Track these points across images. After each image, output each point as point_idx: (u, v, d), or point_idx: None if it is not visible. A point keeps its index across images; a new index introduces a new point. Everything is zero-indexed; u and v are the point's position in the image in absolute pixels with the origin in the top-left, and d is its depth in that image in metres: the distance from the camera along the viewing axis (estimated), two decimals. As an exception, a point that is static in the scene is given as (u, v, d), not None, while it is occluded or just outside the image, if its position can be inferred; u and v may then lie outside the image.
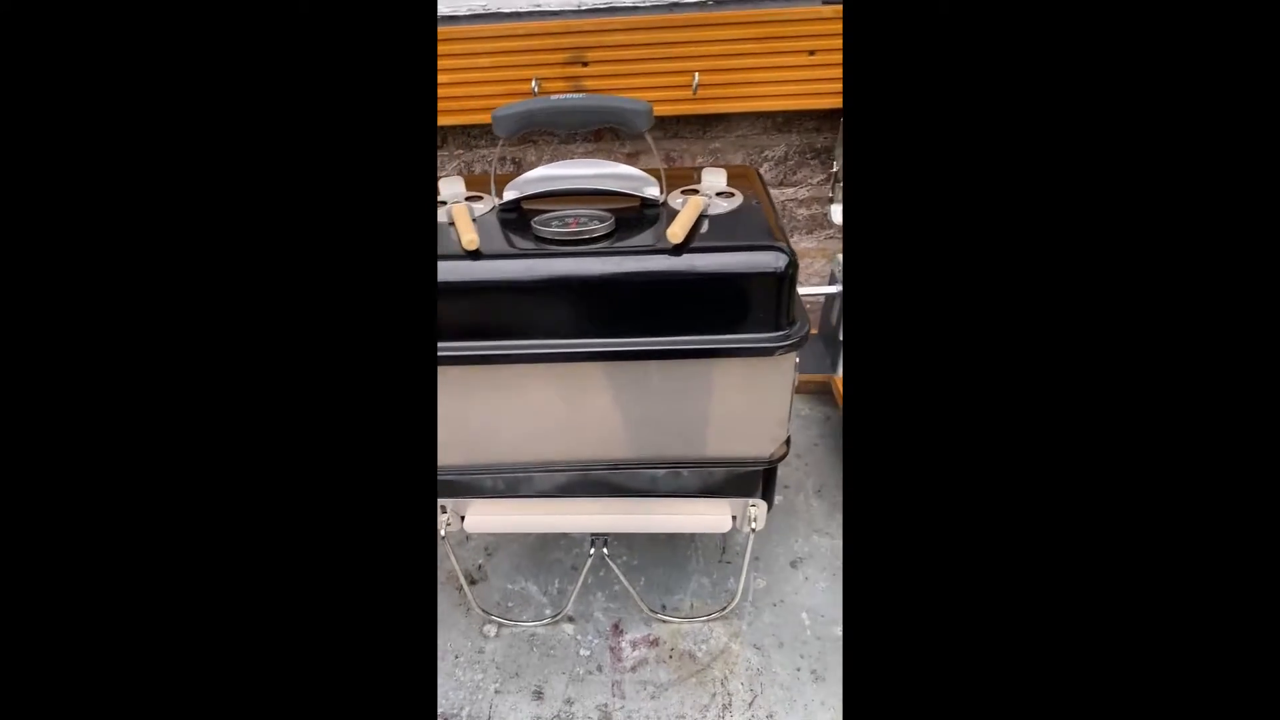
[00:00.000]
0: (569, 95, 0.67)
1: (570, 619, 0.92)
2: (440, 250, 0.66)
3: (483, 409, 0.71)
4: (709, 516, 0.80)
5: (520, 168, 1.16)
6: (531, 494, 0.80)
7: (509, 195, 0.72)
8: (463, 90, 1.02)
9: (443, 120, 1.06)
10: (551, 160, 1.18)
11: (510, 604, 0.95)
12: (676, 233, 0.62)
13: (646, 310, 0.64)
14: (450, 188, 0.75)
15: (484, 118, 1.08)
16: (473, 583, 0.98)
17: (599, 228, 0.65)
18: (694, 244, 0.63)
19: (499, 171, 1.17)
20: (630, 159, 1.14)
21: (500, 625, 0.92)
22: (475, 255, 0.64)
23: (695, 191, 0.73)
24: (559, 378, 0.68)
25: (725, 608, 0.91)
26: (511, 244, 0.66)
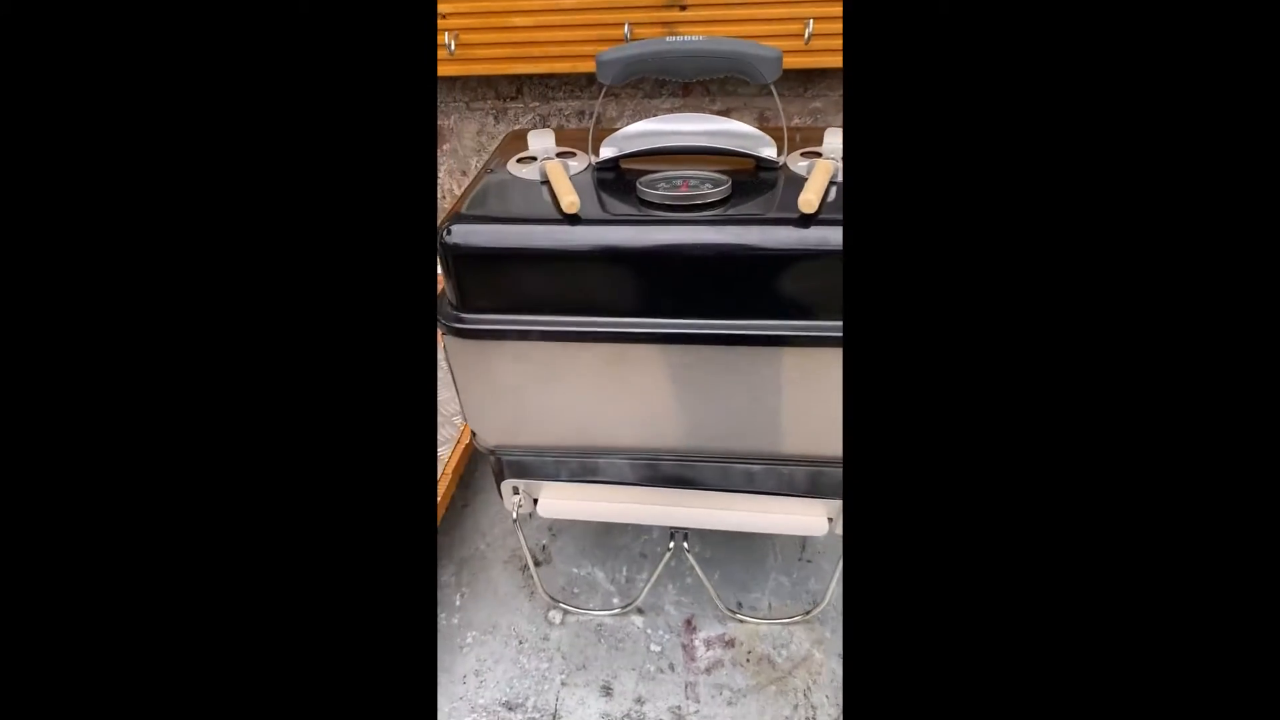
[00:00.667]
0: (687, 38, 0.58)
1: (640, 610, 0.87)
2: (531, 213, 0.59)
3: (571, 389, 0.64)
4: (804, 517, 0.73)
5: (600, 123, 1.08)
6: (611, 480, 0.74)
7: (606, 153, 0.65)
8: (545, 35, 0.94)
9: (520, 68, 0.99)
10: (634, 116, 1.09)
11: (576, 590, 0.90)
12: (810, 201, 0.53)
13: (767, 288, 0.56)
14: (540, 141, 0.68)
15: (563, 66, 1.00)
16: (537, 564, 0.93)
17: (714, 192, 0.57)
18: (824, 215, 0.55)
19: (577, 126, 1.09)
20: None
21: (566, 612, 0.87)
22: (575, 220, 0.56)
23: (819, 154, 0.64)
24: (654, 359, 0.61)
25: (809, 612, 0.85)
26: (614, 207, 0.59)
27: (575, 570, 0.93)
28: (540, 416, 0.67)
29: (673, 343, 0.59)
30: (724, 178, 0.58)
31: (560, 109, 1.08)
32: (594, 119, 0.67)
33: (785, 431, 0.65)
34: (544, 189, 0.61)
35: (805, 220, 0.54)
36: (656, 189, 0.58)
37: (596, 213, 0.58)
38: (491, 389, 0.65)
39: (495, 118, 1.11)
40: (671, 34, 0.89)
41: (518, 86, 1.07)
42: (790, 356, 0.59)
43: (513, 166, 0.66)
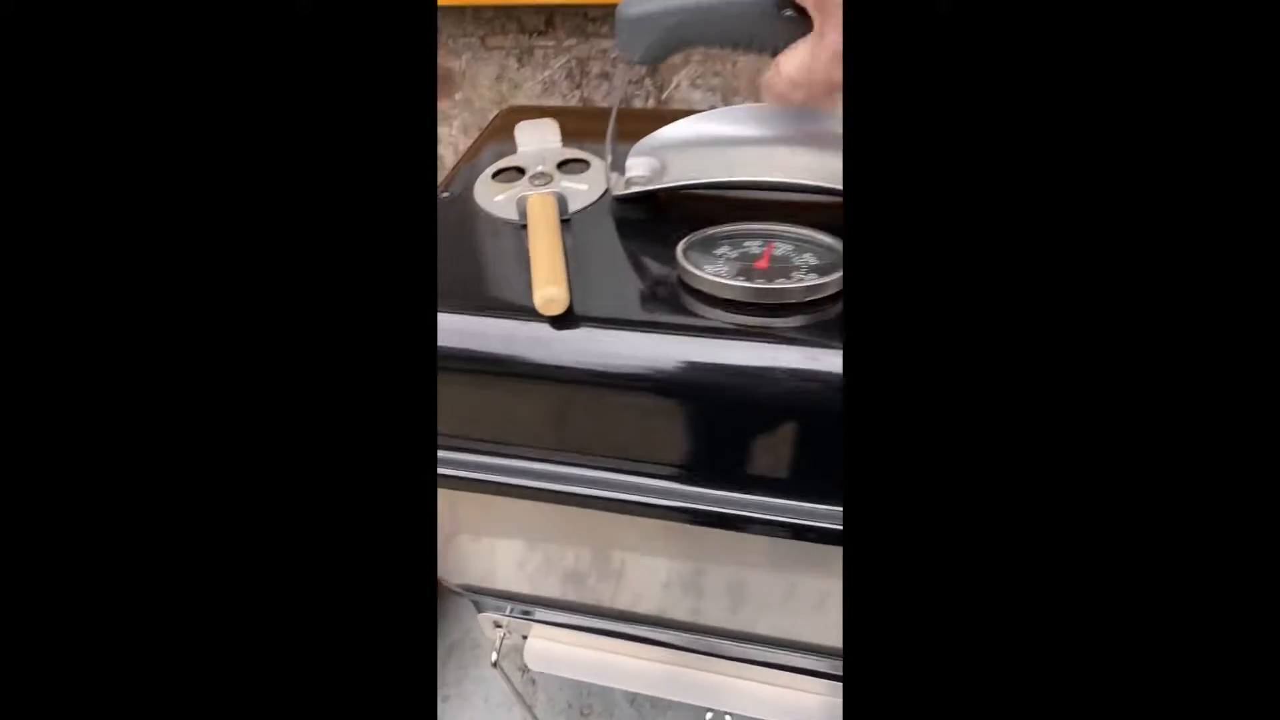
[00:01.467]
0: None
1: (664, 753, 0.67)
2: (493, 290, 0.34)
3: (563, 551, 0.41)
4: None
5: (658, 78, 0.79)
6: (622, 634, 0.52)
7: (635, 170, 0.38)
8: (579, -54, 0.66)
9: (547, -6, 0.71)
10: (708, 72, 0.79)
11: (585, 709, 0.70)
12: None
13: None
14: (533, 136, 0.42)
15: (608, -8, 0.71)
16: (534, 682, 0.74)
17: (821, 279, 0.30)
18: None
19: (624, 98, 0.81)
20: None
21: (570, 745, 0.68)
22: (564, 320, 0.31)
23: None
24: (694, 537, 0.36)
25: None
26: (630, 294, 0.33)
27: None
28: (522, 567, 0.45)
29: (728, 528, 0.34)
30: (832, 243, 0.32)
31: (604, 50, 0.80)
32: (613, 116, 0.39)
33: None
34: (523, 235, 0.36)
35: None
36: (713, 262, 0.32)
37: (598, 303, 0.32)
38: (452, 527, 0.43)
39: (519, 59, 0.83)
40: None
41: (547, 17, 0.79)
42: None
43: (483, 188, 0.40)
